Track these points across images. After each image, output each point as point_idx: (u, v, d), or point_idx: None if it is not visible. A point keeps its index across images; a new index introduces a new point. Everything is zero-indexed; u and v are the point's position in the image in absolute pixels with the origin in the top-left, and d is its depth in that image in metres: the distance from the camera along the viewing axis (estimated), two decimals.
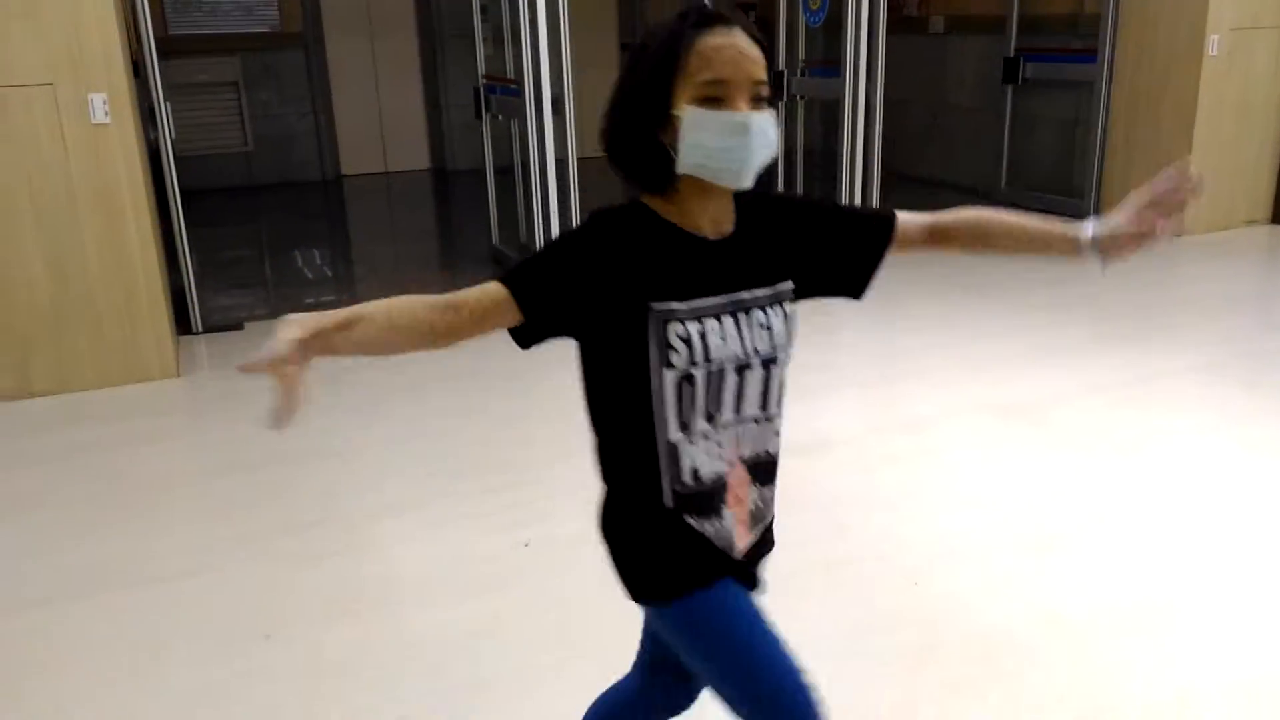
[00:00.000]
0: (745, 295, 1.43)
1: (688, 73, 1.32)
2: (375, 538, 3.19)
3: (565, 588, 2.87)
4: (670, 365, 1.37)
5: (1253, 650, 2.51)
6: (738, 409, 1.44)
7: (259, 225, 8.47)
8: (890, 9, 6.46)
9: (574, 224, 5.98)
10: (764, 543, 1.57)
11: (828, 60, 6.85)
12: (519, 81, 5.72)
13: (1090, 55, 7.07)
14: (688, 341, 1.37)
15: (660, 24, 1.37)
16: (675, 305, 1.37)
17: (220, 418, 4.27)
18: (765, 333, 1.44)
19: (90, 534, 3.26)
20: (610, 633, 2.64)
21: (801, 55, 7.11)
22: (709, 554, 1.47)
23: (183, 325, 5.12)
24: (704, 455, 1.43)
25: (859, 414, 4.11)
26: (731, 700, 1.46)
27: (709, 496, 1.45)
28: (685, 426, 1.41)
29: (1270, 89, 6.69)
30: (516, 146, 6.11)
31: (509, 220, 6.51)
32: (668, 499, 1.44)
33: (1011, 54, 7.70)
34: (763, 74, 1.35)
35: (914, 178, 8.71)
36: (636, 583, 1.51)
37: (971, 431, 3.86)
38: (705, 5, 1.40)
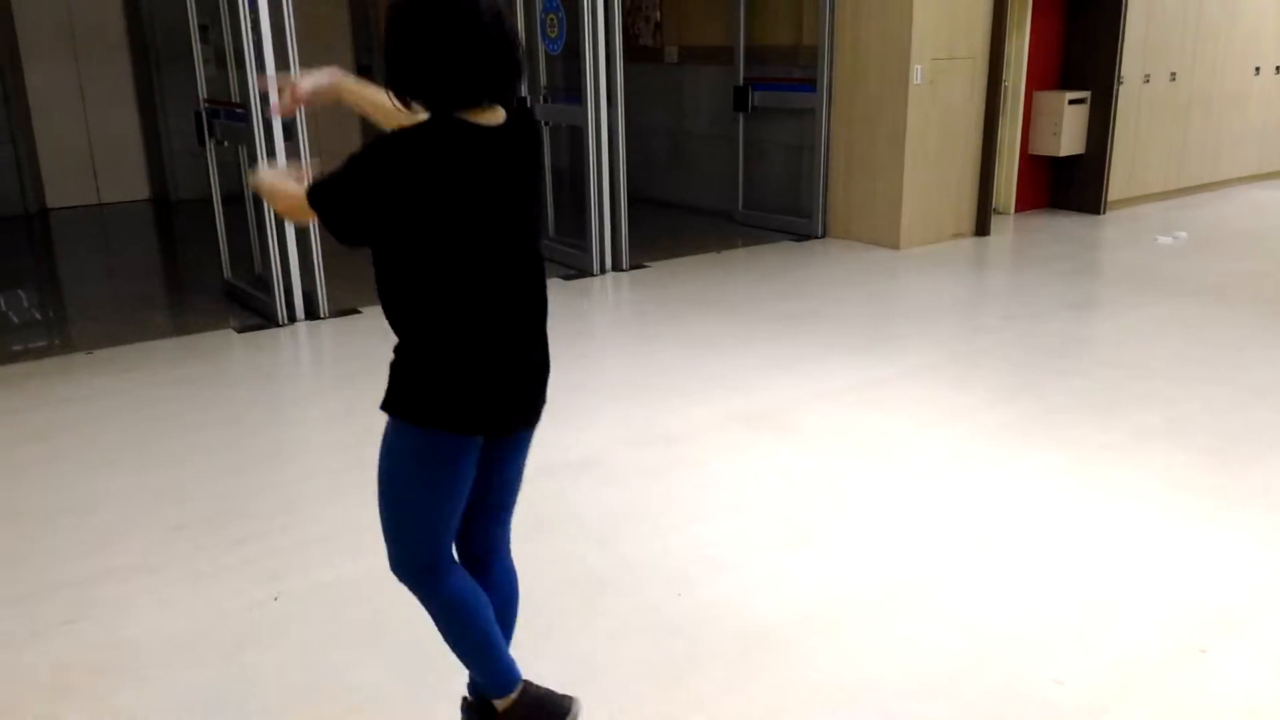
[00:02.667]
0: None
1: None
2: (102, 606, 2.87)
3: (319, 638, 2.70)
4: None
5: (986, 620, 2.72)
6: None
7: None
8: (626, 38, 6.64)
9: (312, 253, 5.71)
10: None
11: (570, 87, 6.95)
12: (245, 105, 5.41)
13: (810, 85, 7.57)
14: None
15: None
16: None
17: None
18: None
19: None
20: (370, 680, 2.51)
21: (544, 81, 7.17)
22: None
23: None
24: None
25: (616, 430, 4.15)
26: None
27: None
28: None
29: (968, 113, 7.41)
30: (246, 175, 5.77)
31: (241, 252, 6.14)
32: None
33: (741, 83, 8.12)
34: None
35: (659, 201, 8.98)
36: None
37: (723, 441, 4.00)
38: None
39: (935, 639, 2.66)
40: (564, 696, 2.16)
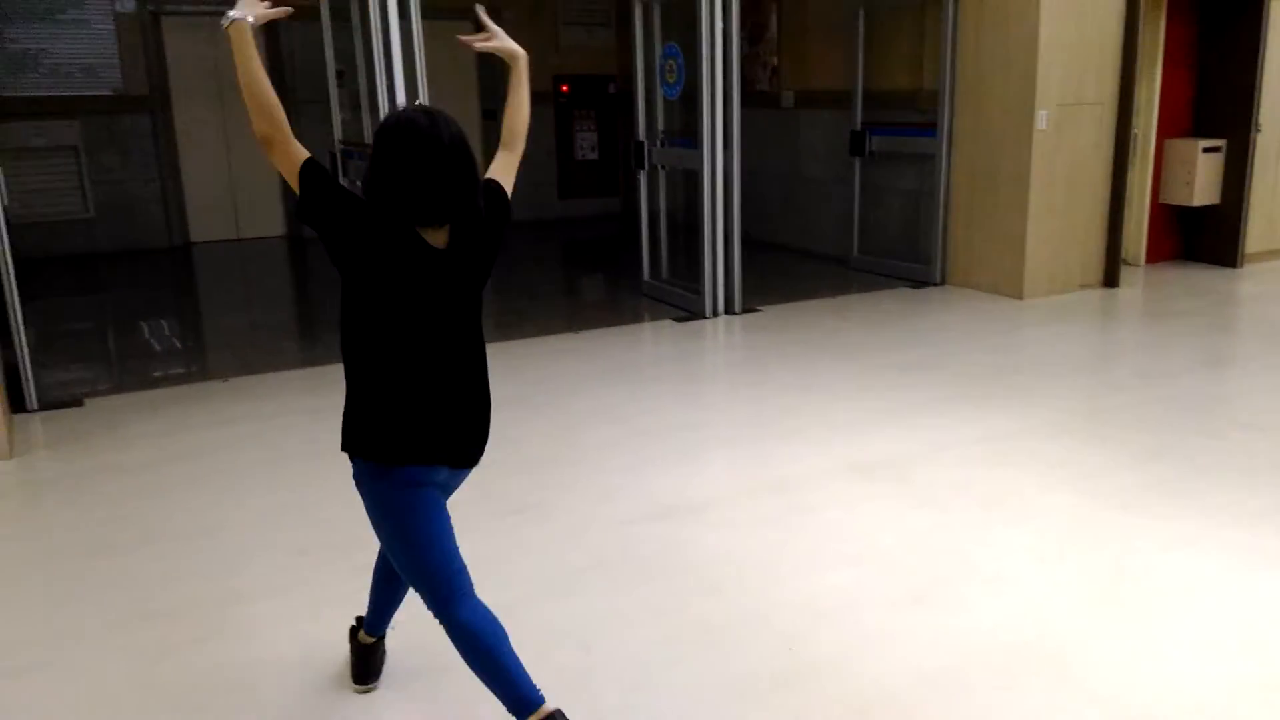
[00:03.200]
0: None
1: None
2: (230, 625, 2.99)
3: (440, 671, 2.75)
4: None
5: (1118, 693, 2.60)
6: None
7: (102, 295, 8.03)
8: (743, 84, 6.69)
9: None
10: None
11: (686, 131, 7.03)
12: None
13: (931, 129, 7.49)
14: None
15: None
16: None
17: (57, 501, 3.98)
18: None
19: None
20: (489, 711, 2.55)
21: (660, 125, 7.28)
22: None
23: (16, 403, 4.77)
24: None
25: (728, 475, 4.14)
26: None
27: None
28: None
29: (1096, 160, 7.21)
30: None
31: None
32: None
33: (858, 127, 8.08)
34: None
35: (772, 245, 8.98)
36: None
37: (838, 490, 3.94)
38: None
39: (1066, 712, 2.55)
40: None
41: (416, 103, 2.34)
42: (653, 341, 6.35)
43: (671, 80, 7.05)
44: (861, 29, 7.94)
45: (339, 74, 6.40)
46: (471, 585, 2.24)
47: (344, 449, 2.23)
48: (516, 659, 2.21)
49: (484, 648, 2.19)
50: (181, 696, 2.65)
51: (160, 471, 4.17)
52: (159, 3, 8.96)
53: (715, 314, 6.75)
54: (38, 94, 8.54)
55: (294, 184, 2.17)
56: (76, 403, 4.95)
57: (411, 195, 2.07)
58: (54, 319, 6.77)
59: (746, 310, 6.86)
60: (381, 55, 5.48)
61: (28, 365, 4.82)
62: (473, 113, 10.82)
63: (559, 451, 4.38)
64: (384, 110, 5.53)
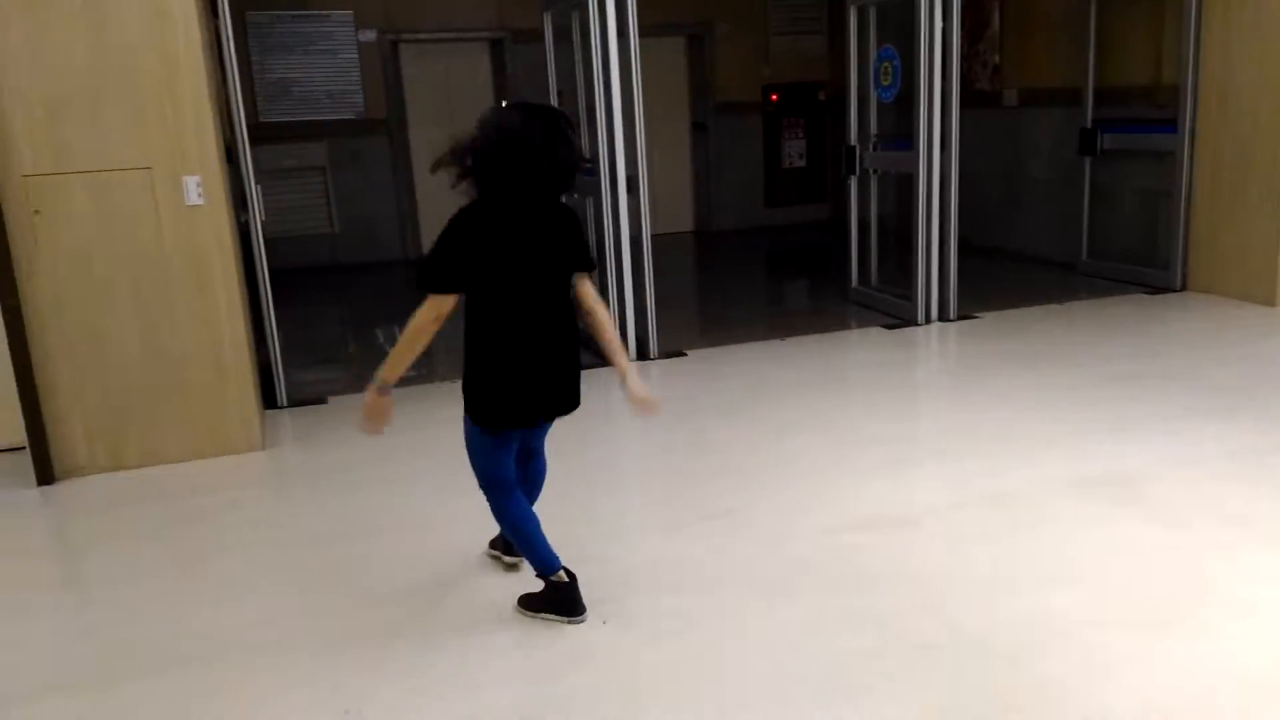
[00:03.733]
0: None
1: None
2: (456, 610, 3.16)
3: (638, 669, 2.80)
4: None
5: None
6: None
7: (344, 304, 8.69)
8: (962, 83, 6.46)
9: (646, 300, 5.96)
10: None
11: (899, 134, 6.86)
12: (595, 162, 5.82)
13: (1170, 125, 6.96)
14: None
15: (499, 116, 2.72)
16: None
17: (303, 491, 4.33)
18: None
19: (179, 607, 3.29)
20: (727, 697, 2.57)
21: (874, 129, 7.13)
22: None
23: (268, 399, 5.23)
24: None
25: (942, 488, 3.99)
26: None
27: None
28: None
29: None
30: (591, 225, 6.20)
31: None
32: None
33: (1089, 125, 7.62)
34: None
35: (991, 250, 8.61)
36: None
37: (1062, 506, 3.72)
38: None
39: None
40: (582, 606, 3.01)
41: (515, 100, 2.96)
42: (860, 349, 6.22)
43: (887, 83, 6.90)
44: (1094, 22, 7.50)
45: (559, 93, 6.65)
46: (515, 484, 3.04)
47: (466, 412, 2.95)
48: (542, 535, 3.01)
49: (519, 525, 3.02)
50: (411, 675, 2.82)
51: (395, 465, 4.46)
52: (398, 32, 9.62)
53: (928, 321, 6.54)
54: (290, 119, 9.35)
55: (434, 309, 2.81)
56: (320, 400, 5.38)
57: (515, 182, 2.74)
58: (301, 325, 7.38)
59: (962, 317, 6.60)
60: (600, 73, 5.67)
61: (280, 366, 5.29)
62: (683, 127, 11.00)
63: (763, 458, 4.37)
64: (602, 126, 5.72)
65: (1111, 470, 4.00)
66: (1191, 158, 6.88)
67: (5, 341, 4.22)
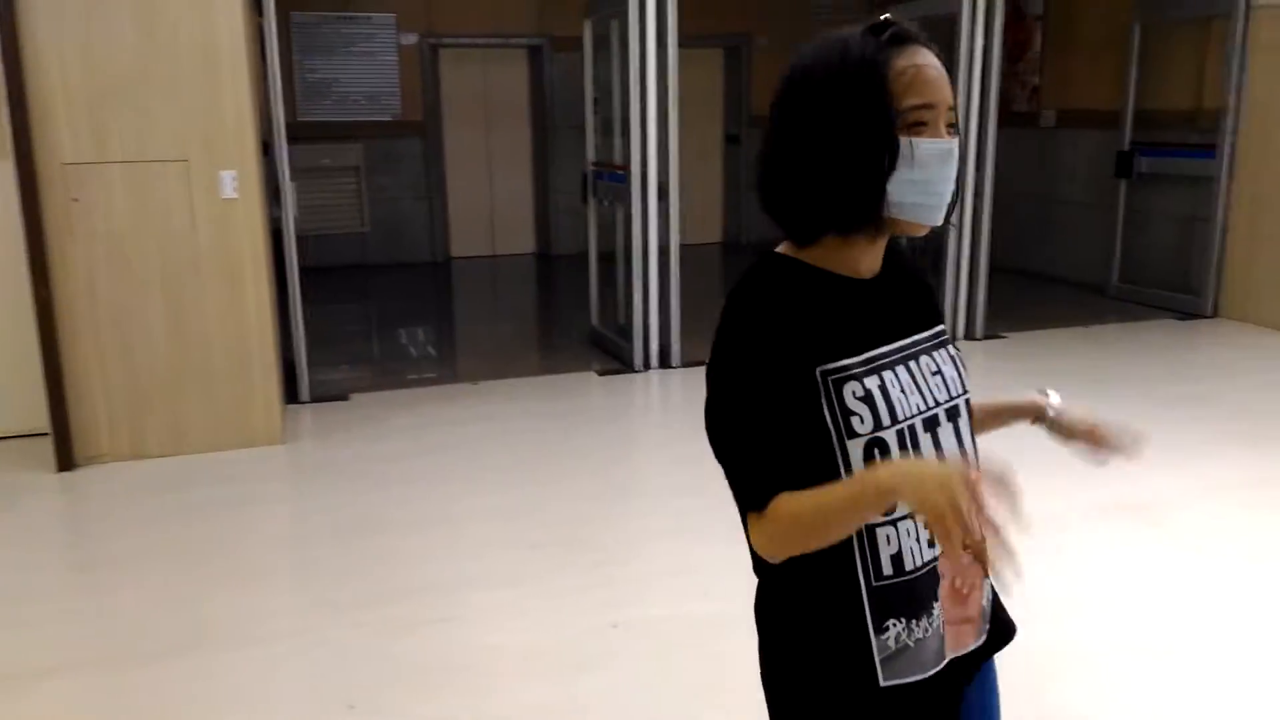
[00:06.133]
0: (910, 340, 1.28)
1: (893, 97, 1.17)
2: (468, 609, 3.17)
3: (652, 674, 2.79)
4: (854, 434, 1.19)
5: None
6: None
7: (370, 303, 8.75)
8: (1000, 102, 6.43)
9: (670, 308, 5.91)
10: (997, 633, 1.39)
11: None
12: (627, 169, 5.84)
13: (1209, 150, 6.88)
14: (869, 400, 1.19)
15: (827, 45, 1.22)
16: (848, 361, 1.20)
17: (320, 485, 4.36)
18: (938, 379, 1.28)
19: (193, 595, 3.32)
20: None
21: None
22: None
23: (291, 394, 5.28)
24: (907, 538, 1.22)
25: None
26: None
27: (914, 589, 1.23)
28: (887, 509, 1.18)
29: None
30: (620, 232, 6.21)
31: (608, 302, 6.59)
32: (864, 598, 1.22)
33: (1126, 148, 7.55)
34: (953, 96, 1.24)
35: (1024, 271, 8.53)
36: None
37: (1089, 531, 3.67)
38: (890, 19, 1.22)
39: None
40: None
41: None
42: None
43: None
44: (1137, 45, 7.43)
45: (595, 100, 6.68)
46: None
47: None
48: None
49: None
50: (415, 673, 2.82)
51: (411, 462, 4.48)
52: (439, 35, 9.70)
53: (954, 339, 6.48)
54: (328, 119, 9.45)
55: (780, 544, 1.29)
56: (343, 397, 5.42)
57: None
58: (328, 322, 7.44)
59: (989, 336, 6.55)
60: (638, 81, 5.69)
61: (304, 362, 5.33)
62: (715, 137, 11.00)
63: None
64: (636, 134, 5.73)
65: (1140, 495, 3.95)
66: (1230, 184, 6.79)
67: (34, 327, 4.28)
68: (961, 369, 1.33)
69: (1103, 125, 7.86)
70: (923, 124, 1.18)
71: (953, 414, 1.28)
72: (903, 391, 1.23)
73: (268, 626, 3.10)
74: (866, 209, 1.20)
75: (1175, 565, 3.39)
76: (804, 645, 1.27)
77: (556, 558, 3.51)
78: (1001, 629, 1.39)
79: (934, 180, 1.19)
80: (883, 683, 1.22)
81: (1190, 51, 7.23)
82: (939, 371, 1.29)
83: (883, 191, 1.19)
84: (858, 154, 1.17)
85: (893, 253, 1.34)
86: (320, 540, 3.75)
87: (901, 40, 1.19)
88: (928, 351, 1.29)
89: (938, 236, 6.58)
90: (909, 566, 1.22)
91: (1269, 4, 6.42)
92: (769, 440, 1.17)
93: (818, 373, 1.18)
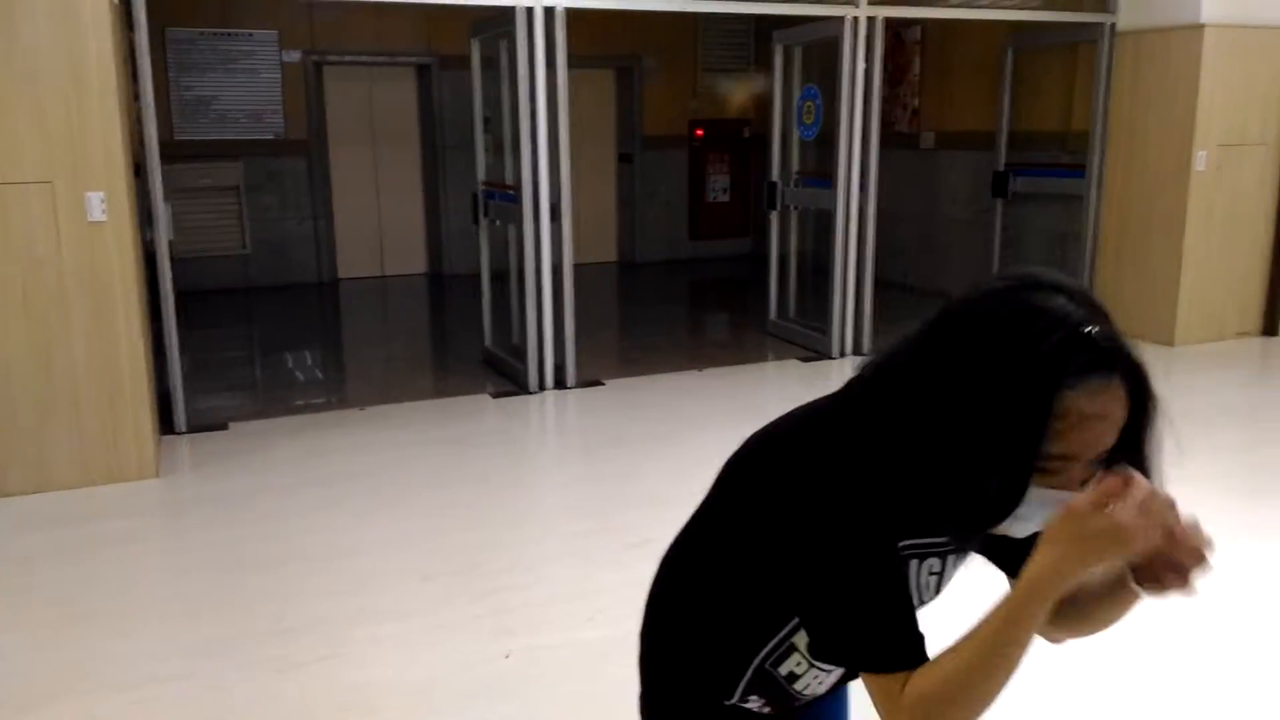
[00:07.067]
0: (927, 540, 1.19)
1: (1045, 433, 0.99)
2: (355, 645, 3.06)
3: (544, 703, 2.74)
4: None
5: None
6: None
7: (253, 326, 8.48)
8: (882, 124, 6.61)
9: (564, 327, 5.84)
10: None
11: (820, 172, 6.97)
12: (518, 188, 5.79)
13: (1079, 170, 7.20)
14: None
15: (1022, 313, 1.01)
16: (928, 540, 1.17)
17: (198, 519, 4.17)
18: (933, 579, 1.23)
19: (56, 638, 3.12)
20: None
21: (795, 166, 7.24)
22: None
23: (166, 424, 5.05)
24: (813, 681, 1.27)
25: None
26: None
27: (790, 696, 1.30)
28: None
29: (1257, 203, 6.80)
30: (513, 252, 6.15)
31: (502, 323, 6.52)
32: (746, 674, 1.27)
33: (1001, 168, 7.85)
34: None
35: (906, 287, 8.78)
36: None
37: None
38: (1102, 331, 1.01)
39: None
40: None
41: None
42: (777, 381, 6.27)
43: (809, 121, 7.01)
44: (1009, 69, 7.74)
45: (485, 119, 6.61)
46: None
47: None
48: None
49: None
50: (304, 713, 2.71)
51: (298, 494, 4.33)
52: (323, 53, 9.49)
53: (842, 354, 6.62)
54: (207, 137, 9.14)
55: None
56: (222, 426, 5.21)
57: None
58: (208, 348, 7.17)
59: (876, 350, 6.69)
60: (527, 101, 5.65)
61: (179, 390, 5.11)
62: (609, 157, 11.04)
63: (680, 487, 4.34)
64: (527, 154, 5.68)
65: None
66: (1098, 202, 7.12)
67: None
68: (952, 578, 1.27)
69: (979, 146, 8.16)
70: (1049, 472, 1.02)
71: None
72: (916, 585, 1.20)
73: (148, 669, 2.94)
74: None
75: None
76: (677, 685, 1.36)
77: (449, 588, 3.43)
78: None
79: (1024, 518, 1.05)
80: (727, 702, 1.30)
81: (1060, 76, 7.57)
82: (938, 573, 1.24)
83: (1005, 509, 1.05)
84: (984, 467, 1.02)
85: None
86: (200, 578, 3.58)
87: (1100, 367, 0.99)
88: (939, 554, 1.22)
89: (821, 252, 6.74)
90: (800, 689, 1.27)
91: (1131, 30, 6.77)
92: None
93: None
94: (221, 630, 3.15)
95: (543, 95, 5.61)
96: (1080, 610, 1.18)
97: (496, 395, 5.83)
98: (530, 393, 5.83)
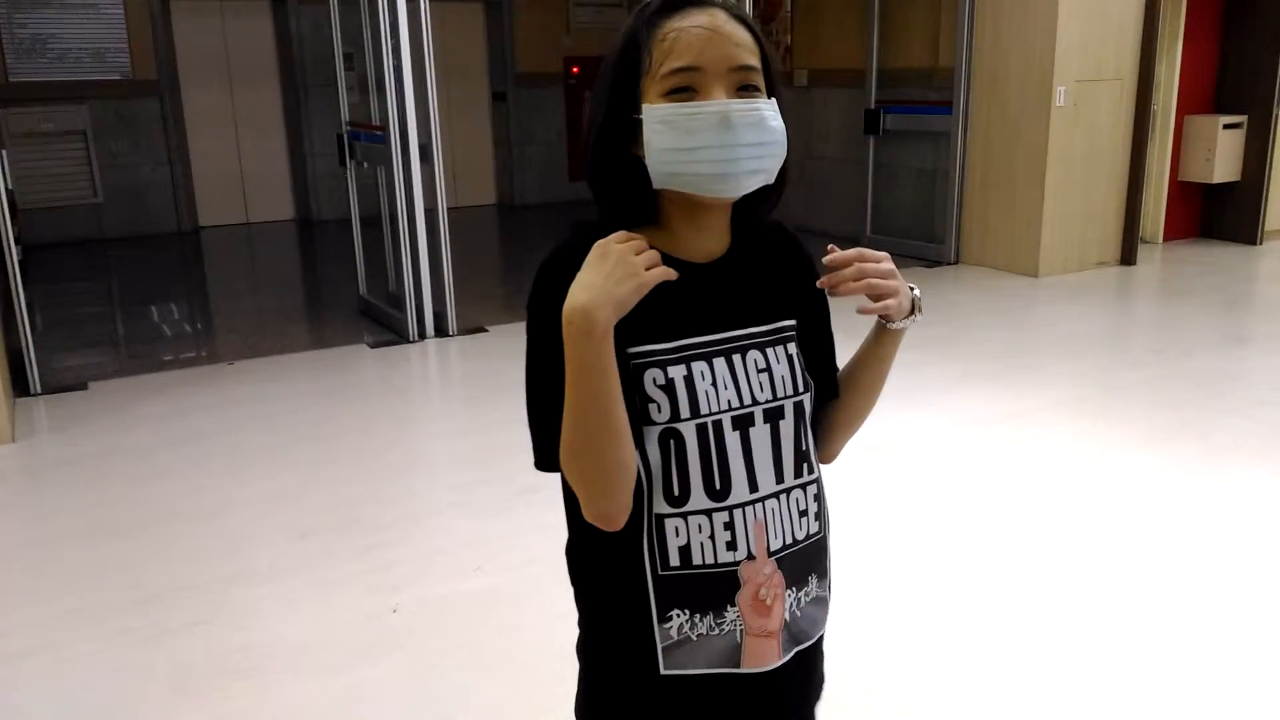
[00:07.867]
0: (740, 332, 1.18)
1: (653, 65, 1.10)
2: (229, 609, 2.95)
3: (434, 655, 2.70)
4: (650, 421, 1.12)
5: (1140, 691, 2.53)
6: (751, 481, 1.17)
7: (110, 280, 8.01)
8: None
9: (443, 273, 5.73)
10: (805, 675, 1.27)
11: None
12: (385, 129, 5.58)
13: (946, 106, 7.36)
14: (668, 389, 1.12)
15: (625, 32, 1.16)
16: (655, 347, 1.13)
17: (60, 484, 3.94)
18: (764, 375, 1.18)
19: None
20: (486, 703, 2.50)
21: None
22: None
23: (21, 386, 4.75)
24: (700, 536, 1.15)
25: None
26: None
27: (702, 584, 1.16)
28: (676, 499, 1.14)
29: (1114, 137, 7.08)
30: (384, 195, 5.95)
31: (377, 270, 6.32)
32: (650, 585, 1.16)
33: (872, 106, 7.96)
34: (749, 57, 1.11)
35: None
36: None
37: (845, 471, 3.85)
38: None
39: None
40: None
41: None
42: None
43: None
44: (877, 6, 7.81)
45: (347, 57, 6.33)
46: None
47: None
48: None
49: None
50: (180, 680, 2.61)
51: (163, 454, 4.14)
52: None
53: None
54: (47, 79, 8.51)
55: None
56: (81, 386, 4.92)
57: None
58: (61, 304, 6.76)
59: None
60: (389, 37, 5.42)
61: (31, 349, 4.80)
62: (482, 96, 10.76)
63: None
64: (391, 93, 5.47)
65: (892, 434, 4.19)
66: (965, 138, 7.30)
67: None
68: (799, 370, 1.23)
69: (851, 85, 8.25)
70: (688, 89, 1.09)
71: (773, 414, 1.19)
72: (713, 384, 1.15)
73: (11, 643, 2.77)
74: (628, 189, 1.16)
75: (927, 500, 3.62)
76: (595, 621, 1.25)
77: (328, 544, 3.34)
78: (808, 674, 1.29)
79: (703, 147, 1.08)
80: (663, 670, 1.18)
81: (926, 13, 7.68)
82: (767, 369, 1.19)
83: (638, 169, 1.13)
84: (602, 134, 1.16)
85: (764, 237, 1.28)
86: (62, 545, 3.39)
87: (677, 5, 1.11)
88: (760, 347, 1.20)
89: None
90: (696, 561, 1.16)
91: None
92: (557, 408, 1.09)
93: (626, 353, 1.11)
94: (83, 601, 3.00)
95: (405, 29, 5.39)
96: (852, 385, 1.40)
97: (375, 345, 5.68)
98: (410, 341, 5.69)
